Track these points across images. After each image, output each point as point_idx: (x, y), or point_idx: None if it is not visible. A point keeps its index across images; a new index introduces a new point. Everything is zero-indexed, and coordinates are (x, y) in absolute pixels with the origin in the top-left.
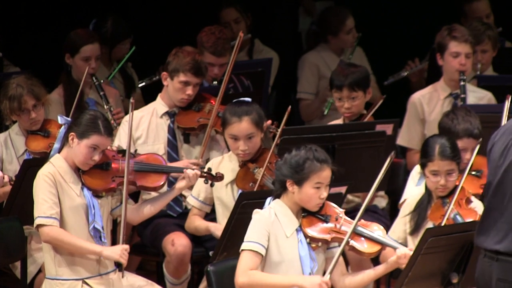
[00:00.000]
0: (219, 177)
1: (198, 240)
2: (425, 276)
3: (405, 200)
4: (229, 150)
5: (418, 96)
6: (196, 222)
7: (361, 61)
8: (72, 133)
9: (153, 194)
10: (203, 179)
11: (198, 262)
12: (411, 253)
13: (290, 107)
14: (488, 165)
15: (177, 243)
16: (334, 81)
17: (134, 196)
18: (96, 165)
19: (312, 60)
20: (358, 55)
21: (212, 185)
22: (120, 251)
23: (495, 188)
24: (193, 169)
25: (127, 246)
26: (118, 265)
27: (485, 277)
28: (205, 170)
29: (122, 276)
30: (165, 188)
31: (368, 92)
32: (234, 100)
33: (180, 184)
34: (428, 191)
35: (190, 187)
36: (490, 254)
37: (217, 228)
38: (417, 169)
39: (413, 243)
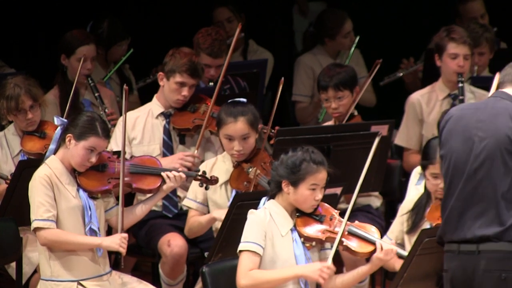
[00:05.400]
0: (214, 180)
1: (194, 241)
2: (420, 277)
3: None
4: (224, 151)
5: (417, 96)
6: (198, 219)
7: (358, 63)
8: (69, 134)
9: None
10: (198, 182)
11: (194, 263)
12: (392, 246)
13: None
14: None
15: (173, 244)
16: (320, 82)
17: (129, 197)
18: (92, 167)
19: (307, 62)
20: (355, 57)
21: (207, 188)
22: (119, 240)
23: (465, 180)
24: (179, 171)
25: (125, 235)
26: (115, 264)
27: (467, 272)
28: (200, 173)
29: (122, 266)
30: None
31: (356, 91)
32: (229, 101)
33: (165, 185)
34: (427, 192)
35: (186, 189)
36: (469, 248)
37: (218, 213)
38: (418, 169)
39: (409, 242)
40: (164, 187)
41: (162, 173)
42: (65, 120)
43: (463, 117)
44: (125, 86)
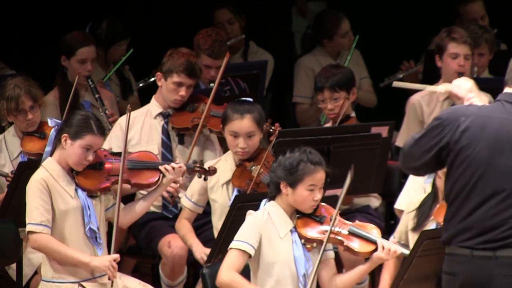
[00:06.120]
0: (212, 171)
1: None
2: (420, 278)
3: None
4: (223, 152)
5: (418, 98)
6: (185, 230)
7: (358, 64)
8: (65, 135)
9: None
10: (197, 173)
11: (194, 265)
12: (392, 244)
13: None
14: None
15: (173, 245)
16: (316, 83)
17: (129, 197)
18: (89, 166)
19: (307, 63)
20: (355, 58)
21: (205, 179)
22: (108, 263)
23: (475, 185)
24: (177, 162)
25: (116, 256)
26: None
27: (480, 278)
28: (197, 164)
29: (112, 286)
30: None
31: (353, 92)
32: (236, 99)
33: (165, 178)
34: (434, 191)
35: (185, 187)
36: (484, 254)
37: (198, 251)
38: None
39: (413, 240)
40: (164, 180)
41: (160, 167)
42: (59, 121)
43: (488, 125)
44: (128, 107)
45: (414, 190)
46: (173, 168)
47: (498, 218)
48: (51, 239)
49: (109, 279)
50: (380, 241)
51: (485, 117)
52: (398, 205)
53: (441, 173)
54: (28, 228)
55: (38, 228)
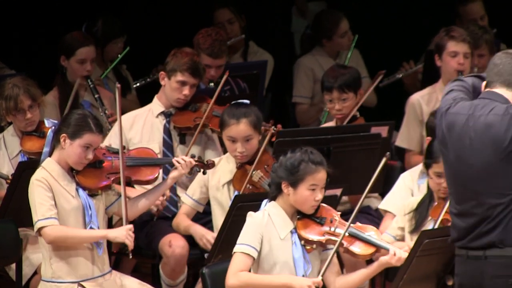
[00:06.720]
0: (211, 164)
1: (194, 242)
2: (420, 278)
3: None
4: (224, 152)
5: (417, 97)
6: (186, 222)
7: (358, 64)
8: (63, 135)
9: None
10: (195, 167)
11: (193, 264)
12: (403, 252)
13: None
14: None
15: (174, 245)
16: (324, 83)
17: None
18: (88, 164)
19: (307, 63)
20: (355, 58)
21: (204, 173)
22: (125, 232)
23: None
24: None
25: (131, 226)
26: (115, 264)
27: (474, 278)
28: (196, 158)
29: (130, 257)
30: (160, 180)
31: (360, 93)
32: (233, 102)
33: (173, 173)
34: (430, 192)
35: (186, 187)
36: (476, 254)
37: (198, 234)
38: (407, 173)
39: (411, 242)
40: (174, 173)
41: (173, 160)
42: (56, 122)
43: (454, 125)
44: (117, 84)
45: (400, 192)
46: (185, 162)
47: (480, 217)
48: (63, 228)
49: (125, 252)
50: (393, 248)
51: (452, 115)
52: (383, 205)
53: (432, 173)
54: (38, 224)
55: (49, 222)
